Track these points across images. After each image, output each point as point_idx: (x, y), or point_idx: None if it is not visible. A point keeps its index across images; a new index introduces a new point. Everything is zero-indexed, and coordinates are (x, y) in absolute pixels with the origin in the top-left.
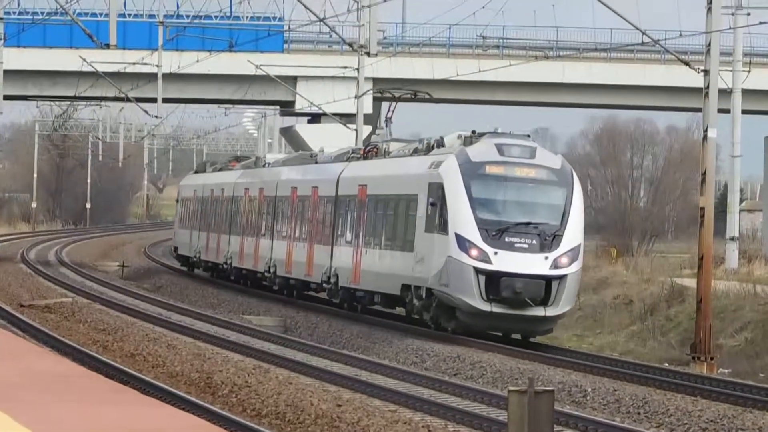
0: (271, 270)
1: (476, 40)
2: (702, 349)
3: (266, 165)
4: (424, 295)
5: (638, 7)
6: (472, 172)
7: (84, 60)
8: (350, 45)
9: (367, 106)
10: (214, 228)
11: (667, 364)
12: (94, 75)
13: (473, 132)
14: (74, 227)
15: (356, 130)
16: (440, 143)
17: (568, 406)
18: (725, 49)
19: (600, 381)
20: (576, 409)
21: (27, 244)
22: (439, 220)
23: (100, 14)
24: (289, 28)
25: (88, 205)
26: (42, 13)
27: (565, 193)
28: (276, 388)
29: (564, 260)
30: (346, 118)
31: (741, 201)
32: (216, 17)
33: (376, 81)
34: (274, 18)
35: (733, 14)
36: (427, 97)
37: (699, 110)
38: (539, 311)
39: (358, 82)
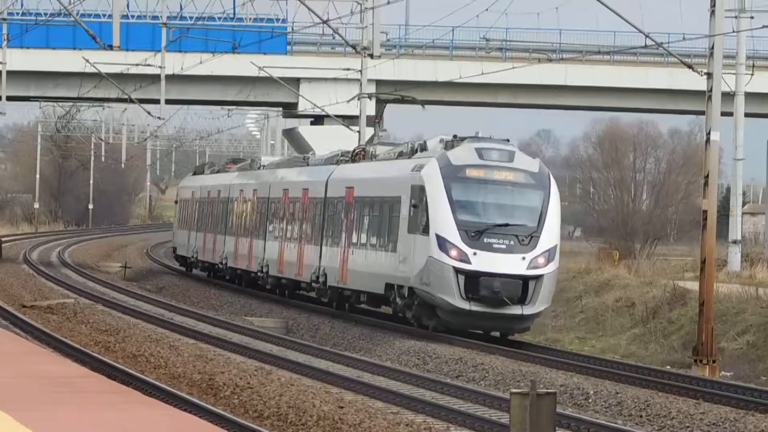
0: (264, 270)
1: (479, 42)
2: (704, 352)
3: (261, 167)
4: (406, 294)
5: (642, 10)
6: (452, 175)
7: (87, 61)
8: (353, 47)
9: (370, 108)
10: (210, 229)
11: (669, 367)
12: (97, 76)
13: (455, 136)
14: (76, 228)
15: (359, 132)
16: (423, 147)
17: (570, 408)
18: (728, 52)
19: (602, 383)
20: (578, 411)
21: (29, 245)
22: (420, 222)
23: (104, 15)
24: (292, 29)
25: (90, 207)
26: (45, 14)
27: (542, 196)
28: (278, 390)
29: (541, 260)
30: (349, 120)
31: (743, 204)
32: (219, 19)
33: (379, 83)
34: (278, 20)
35: (736, 17)
36: (416, 100)
37: (702, 113)
38: (517, 310)
39: (361, 84)
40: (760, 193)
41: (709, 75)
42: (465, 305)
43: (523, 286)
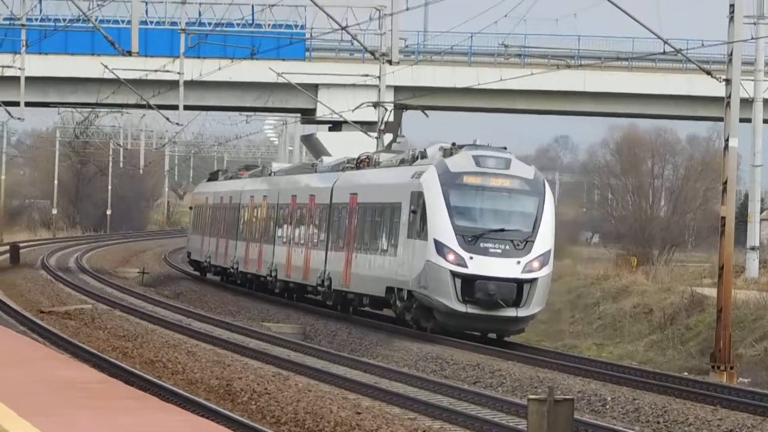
0: (273, 274)
1: (498, 48)
2: (722, 358)
3: (271, 173)
4: (405, 297)
5: (660, 16)
6: (450, 181)
7: (106, 67)
8: (372, 53)
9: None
10: (222, 234)
11: (686, 374)
12: (116, 82)
13: (453, 144)
14: (94, 234)
15: (377, 138)
16: (423, 155)
17: (587, 414)
18: (747, 59)
19: (619, 390)
20: (595, 418)
21: (47, 250)
22: (419, 227)
23: (122, 21)
24: (310, 35)
25: (108, 212)
26: (64, 20)
27: (537, 202)
28: (295, 396)
29: (535, 264)
30: (367, 125)
31: (761, 210)
32: (238, 25)
33: (397, 89)
34: (296, 26)
35: (755, 24)
36: (420, 107)
37: (720, 119)
38: (511, 312)
39: (379, 90)
40: None
41: (728, 81)
42: (461, 308)
43: (517, 289)
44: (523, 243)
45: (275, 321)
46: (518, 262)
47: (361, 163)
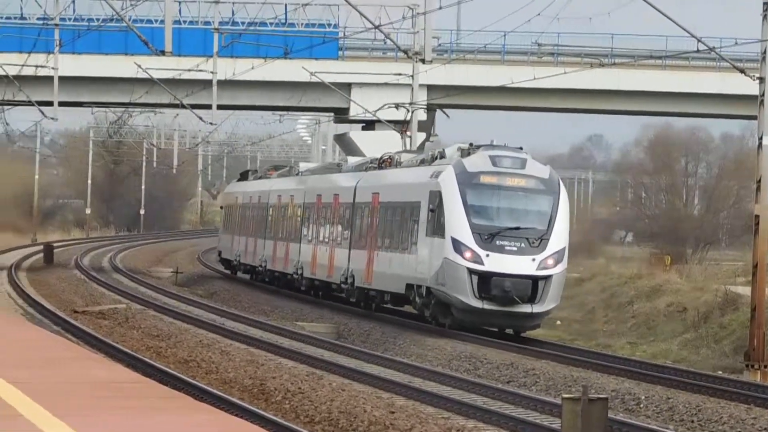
0: (299, 272)
1: (531, 47)
2: (755, 356)
3: (298, 173)
4: (424, 294)
5: (693, 14)
6: (467, 181)
7: (139, 67)
8: (405, 52)
9: (421, 113)
10: (251, 233)
11: (720, 372)
12: (149, 82)
13: (470, 144)
14: (128, 234)
15: (410, 137)
16: (442, 155)
17: (621, 413)
18: None
19: (653, 389)
20: (629, 416)
21: (81, 250)
22: (437, 225)
23: (156, 21)
24: (343, 35)
25: (142, 212)
26: (97, 20)
27: (551, 201)
28: (329, 395)
29: (550, 262)
30: (400, 125)
31: None
32: (271, 24)
33: (430, 88)
34: (329, 25)
35: None
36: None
37: (754, 118)
38: (527, 308)
39: (412, 89)
40: None
41: (761, 79)
42: (478, 304)
43: (532, 286)
44: (538, 241)
45: (309, 320)
46: (533, 260)
47: (384, 163)
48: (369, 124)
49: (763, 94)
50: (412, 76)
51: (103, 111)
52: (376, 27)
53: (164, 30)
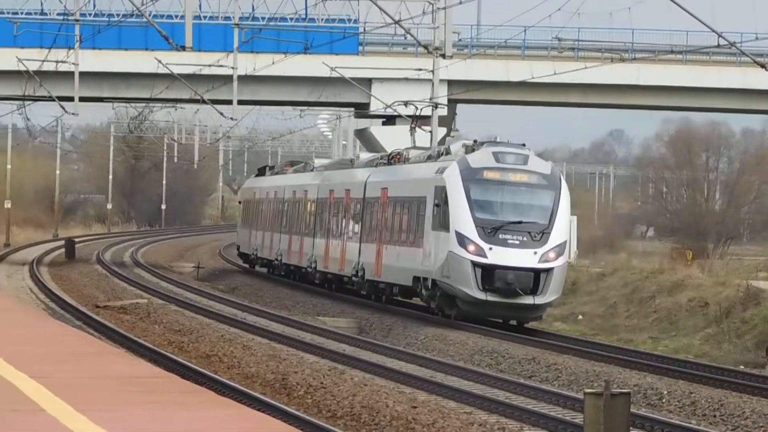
0: (313, 265)
1: (552, 42)
2: None
3: (312, 169)
4: (430, 286)
5: (714, 9)
6: (471, 176)
7: (159, 62)
8: (425, 47)
9: (442, 108)
10: (268, 227)
11: (742, 367)
12: (170, 77)
13: (474, 141)
14: (149, 229)
15: (430, 132)
16: (447, 151)
17: (643, 408)
18: None
19: (676, 384)
20: (652, 411)
21: (102, 245)
22: (442, 219)
23: (176, 16)
24: (364, 30)
25: (163, 207)
26: (117, 15)
27: (553, 196)
28: (351, 390)
29: (551, 255)
30: (421, 120)
31: None
32: (291, 19)
33: (450, 83)
34: (349, 20)
35: None
36: (451, 111)
37: None
38: (529, 300)
39: (433, 84)
40: None
41: None
42: (482, 296)
43: (534, 278)
44: (539, 234)
45: (330, 315)
46: (535, 253)
47: (393, 159)
48: (389, 119)
49: None
50: (433, 71)
51: (124, 106)
52: (396, 22)
53: (184, 25)
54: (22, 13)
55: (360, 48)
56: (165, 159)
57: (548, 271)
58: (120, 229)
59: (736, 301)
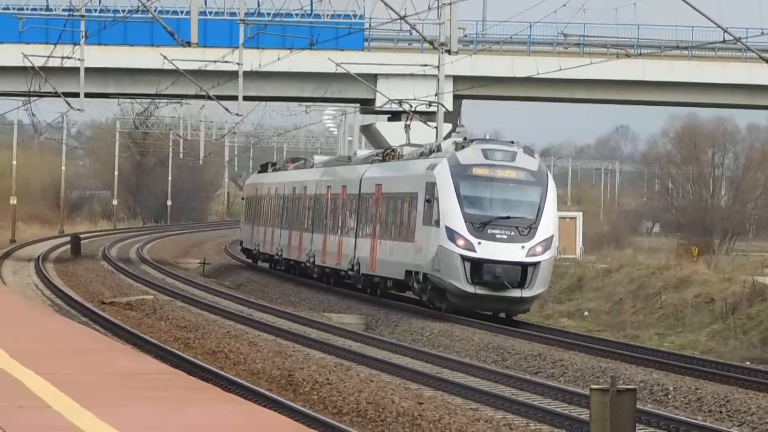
0: (311, 260)
1: (557, 38)
2: None
3: (312, 166)
4: (422, 279)
5: (719, 4)
6: (460, 173)
7: (165, 58)
8: (431, 43)
9: (448, 104)
10: (269, 223)
11: (748, 363)
12: (175, 73)
13: (464, 138)
14: (155, 225)
15: (436, 127)
16: (438, 148)
17: (649, 404)
18: None
19: (682, 380)
20: (658, 407)
21: (108, 241)
22: (433, 215)
23: (181, 12)
24: (369, 25)
25: (168, 203)
26: (123, 11)
27: (540, 192)
28: (357, 386)
29: (538, 249)
30: (427, 116)
31: None
32: (297, 15)
33: (456, 79)
34: (355, 16)
35: None
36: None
37: None
38: (516, 293)
39: (438, 80)
40: None
41: None
42: (471, 289)
43: (522, 272)
44: (527, 229)
45: (336, 311)
46: (522, 247)
47: (387, 155)
48: (395, 116)
49: None
50: (438, 67)
51: (130, 102)
52: (402, 18)
53: (190, 21)
54: (27, 9)
55: (365, 44)
56: (171, 155)
57: (535, 264)
58: (126, 226)
59: (742, 297)
